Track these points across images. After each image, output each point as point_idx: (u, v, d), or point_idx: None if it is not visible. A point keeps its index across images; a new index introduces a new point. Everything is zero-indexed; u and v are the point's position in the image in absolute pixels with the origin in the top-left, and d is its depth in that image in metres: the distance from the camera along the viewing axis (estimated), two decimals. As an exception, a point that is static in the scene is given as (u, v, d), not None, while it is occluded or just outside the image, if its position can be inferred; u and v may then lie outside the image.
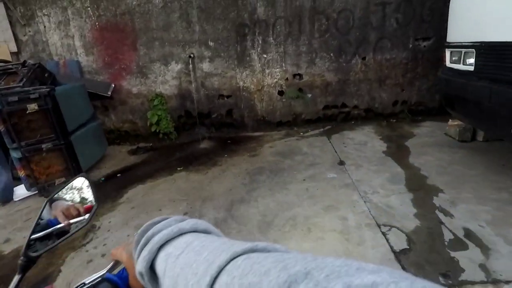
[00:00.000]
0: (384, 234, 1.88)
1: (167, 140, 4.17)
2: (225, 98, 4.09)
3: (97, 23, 3.85)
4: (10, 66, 2.99)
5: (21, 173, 2.78)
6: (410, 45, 3.82)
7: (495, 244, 1.73)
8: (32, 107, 2.64)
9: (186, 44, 3.86)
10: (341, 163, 2.94)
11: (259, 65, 3.91)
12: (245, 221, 2.18)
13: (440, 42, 3.78)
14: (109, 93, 3.95)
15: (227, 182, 2.80)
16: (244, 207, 2.36)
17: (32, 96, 2.62)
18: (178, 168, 3.22)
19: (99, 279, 0.50)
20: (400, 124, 3.93)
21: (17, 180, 2.96)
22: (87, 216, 0.61)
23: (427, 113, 4.10)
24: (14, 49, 3.97)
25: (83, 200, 0.64)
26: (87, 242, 2.13)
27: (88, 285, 0.49)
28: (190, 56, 3.87)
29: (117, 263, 0.52)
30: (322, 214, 2.16)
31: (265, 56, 3.88)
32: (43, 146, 2.76)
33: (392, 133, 3.63)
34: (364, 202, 2.25)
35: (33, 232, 0.57)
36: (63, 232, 0.60)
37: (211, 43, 3.85)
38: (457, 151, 2.93)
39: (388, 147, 3.20)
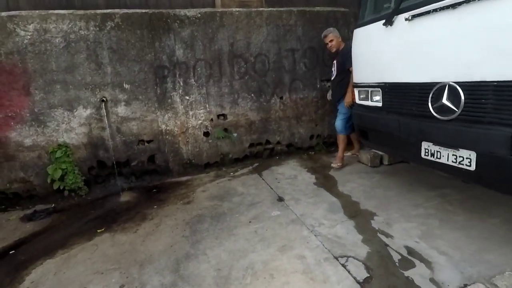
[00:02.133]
0: (344, 266, 1.92)
1: (76, 198, 3.51)
2: (146, 143, 3.75)
3: (-29, 63, 3.12)
4: None
5: None
6: (318, 86, 4.32)
7: (432, 256, 1.95)
8: None
9: (97, 87, 3.46)
10: (280, 199, 2.97)
11: (182, 107, 3.78)
12: (198, 281, 1.92)
13: (340, 82, 4.41)
14: (-9, 147, 3.15)
15: (165, 238, 2.47)
16: (193, 264, 2.10)
17: None
18: (99, 230, 2.70)
19: None
20: (318, 155, 4.28)
21: None
22: None
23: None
24: None
25: None
26: None
27: None
28: (102, 100, 3.46)
29: None
30: (279, 256, 2.08)
31: (187, 97, 3.77)
32: None
33: (315, 164, 3.91)
34: (315, 236, 2.28)
35: None
36: None
37: (126, 86, 3.55)
38: (373, 176, 3.32)
39: (317, 178, 3.41)
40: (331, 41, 3.61)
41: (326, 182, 3.28)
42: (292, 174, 3.60)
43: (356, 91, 3.10)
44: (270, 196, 3.06)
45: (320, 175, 3.52)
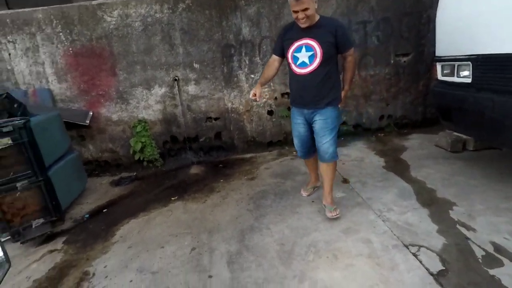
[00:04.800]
0: (415, 255, 1.79)
1: (153, 168, 3.89)
2: (213, 121, 3.93)
3: (70, 49, 3.58)
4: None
5: (-10, 219, 2.40)
6: (392, 61, 3.95)
7: (526, 256, 1.70)
8: (5, 141, 2.31)
9: (170, 67, 3.69)
10: (345, 181, 2.87)
11: (247, 85, 3.83)
12: (262, 252, 2.00)
13: (419, 57, 3.97)
14: (87, 121, 3.64)
15: (231, 210, 2.60)
16: (257, 236, 2.18)
17: (4, 130, 2.30)
18: (172, 198, 2.97)
19: None
20: (388, 138, 3.99)
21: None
22: None
23: (412, 126, 4.21)
24: (-27, 78, 3.56)
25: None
26: (82, 296, 1.83)
27: None
28: (174, 79, 3.70)
29: None
30: (343, 237, 2.04)
31: (252, 76, 3.80)
32: (18, 185, 2.41)
33: (384, 147, 3.66)
34: (383, 221, 2.16)
35: None
36: None
37: (196, 65, 3.71)
38: (453, 162, 2.97)
39: (386, 162, 3.19)
40: (305, 9, 1.95)
41: (397, 166, 3.06)
42: (358, 156, 3.43)
43: (438, 65, 2.76)
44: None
45: (390, 158, 3.28)
